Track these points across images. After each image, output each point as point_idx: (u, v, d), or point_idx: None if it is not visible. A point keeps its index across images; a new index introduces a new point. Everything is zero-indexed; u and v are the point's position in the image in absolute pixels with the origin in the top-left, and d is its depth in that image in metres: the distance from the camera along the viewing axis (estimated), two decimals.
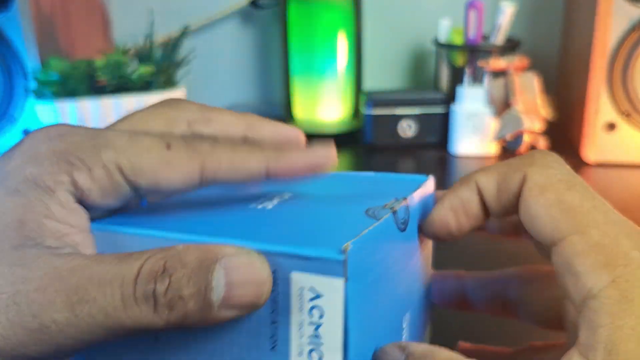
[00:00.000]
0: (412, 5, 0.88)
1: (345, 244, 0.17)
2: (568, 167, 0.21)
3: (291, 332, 0.18)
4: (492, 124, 0.69)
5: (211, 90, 0.92)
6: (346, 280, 0.17)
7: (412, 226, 0.23)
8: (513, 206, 0.21)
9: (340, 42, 0.78)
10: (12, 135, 0.68)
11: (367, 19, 0.86)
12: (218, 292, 0.17)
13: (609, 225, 0.19)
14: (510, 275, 0.25)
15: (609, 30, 0.62)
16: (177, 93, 0.66)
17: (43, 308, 0.17)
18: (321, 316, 0.18)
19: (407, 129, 0.75)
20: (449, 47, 0.77)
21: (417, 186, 0.24)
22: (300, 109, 0.81)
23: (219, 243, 0.18)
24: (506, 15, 0.74)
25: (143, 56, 0.66)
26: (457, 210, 0.22)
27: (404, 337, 0.23)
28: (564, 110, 0.76)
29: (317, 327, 0.18)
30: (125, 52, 0.64)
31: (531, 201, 0.20)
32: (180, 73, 0.68)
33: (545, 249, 0.20)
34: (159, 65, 0.64)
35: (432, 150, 0.74)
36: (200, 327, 0.18)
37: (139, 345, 0.21)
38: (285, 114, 0.82)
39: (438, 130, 0.75)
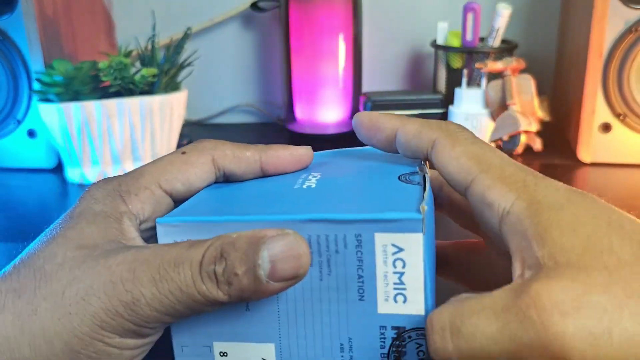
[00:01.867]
0: (410, 8, 0.89)
1: (422, 205, 0.21)
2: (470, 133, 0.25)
3: (377, 283, 0.22)
4: (489, 126, 0.70)
5: (213, 91, 0.93)
6: (424, 234, 0.21)
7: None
8: (419, 156, 0.26)
9: (340, 44, 0.79)
10: (17, 137, 0.69)
11: (366, 22, 0.87)
12: (264, 267, 0.21)
13: (506, 165, 0.23)
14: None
15: (605, 32, 0.63)
16: (180, 95, 0.67)
17: (134, 284, 0.21)
18: (404, 266, 0.21)
19: None
20: (447, 49, 0.77)
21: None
22: (300, 110, 0.82)
23: (302, 220, 0.22)
24: (503, 17, 0.74)
25: (146, 58, 0.66)
26: (376, 131, 0.27)
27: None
28: (560, 111, 0.77)
29: (401, 275, 0.21)
30: (128, 54, 0.65)
31: (443, 153, 0.24)
32: (182, 75, 0.69)
33: (461, 193, 0.24)
34: (162, 68, 0.65)
35: None
36: (259, 299, 0.22)
37: (230, 316, 0.23)
38: (286, 115, 0.83)
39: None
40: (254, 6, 0.86)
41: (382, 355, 0.22)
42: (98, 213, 0.24)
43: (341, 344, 0.23)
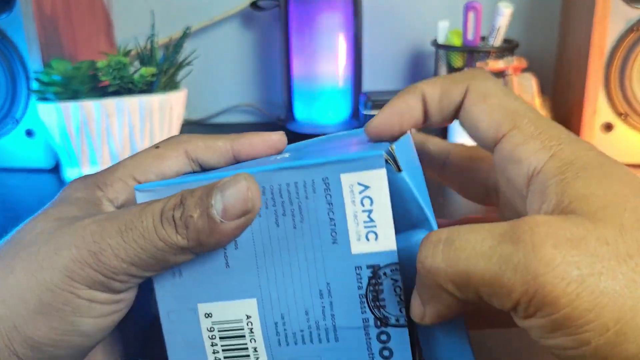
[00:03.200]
0: (411, 7, 0.88)
1: (391, 146, 0.21)
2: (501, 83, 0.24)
3: (348, 224, 0.22)
4: None
5: (212, 91, 0.93)
6: (389, 170, 0.21)
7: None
8: (452, 115, 0.25)
9: (340, 44, 0.79)
10: (15, 136, 0.69)
11: (366, 21, 0.86)
12: (217, 208, 0.22)
13: (541, 121, 0.22)
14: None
15: (606, 31, 0.63)
16: (179, 94, 0.66)
17: (101, 236, 0.22)
18: (371, 203, 0.22)
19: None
20: (448, 48, 0.77)
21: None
22: (300, 110, 0.82)
23: (270, 170, 0.22)
24: (504, 16, 0.74)
25: (145, 58, 0.66)
26: (402, 115, 0.25)
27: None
28: (561, 110, 0.77)
29: (369, 212, 0.22)
30: (127, 53, 0.65)
31: (475, 107, 0.23)
32: (181, 74, 0.68)
33: (488, 148, 0.23)
34: (161, 67, 0.64)
35: None
36: (218, 245, 0.22)
37: (211, 276, 0.24)
38: (285, 115, 0.83)
39: (436, 130, 0.75)
40: (253, 5, 0.86)
41: (361, 296, 0.23)
42: (78, 198, 0.25)
43: (320, 290, 0.23)
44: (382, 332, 0.23)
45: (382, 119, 0.25)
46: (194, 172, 0.28)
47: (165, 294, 0.24)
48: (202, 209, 0.22)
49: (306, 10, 0.77)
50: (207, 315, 0.24)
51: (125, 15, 0.88)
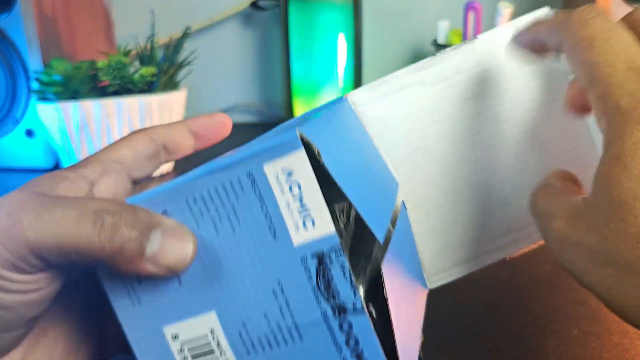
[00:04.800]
0: (411, 7, 0.88)
1: (300, 134, 0.20)
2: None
3: (283, 215, 0.21)
4: None
5: (212, 91, 0.93)
6: (306, 150, 0.20)
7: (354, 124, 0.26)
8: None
9: (340, 43, 0.79)
10: (15, 136, 0.69)
11: (367, 21, 0.86)
12: (152, 246, 0.21)
13: None
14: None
15: None
16: (179, 94, 0.66)
17: (18, 210, 0.21)
18: (299, 187, 0.21)
19: None
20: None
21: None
22: (300, 110, 0.82)
23: (195, 177, 0.22)
24: (504, 16, 0.74)
25: (145, 57, 0.66)
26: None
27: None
28: None
29: (300, 198, 0.21)
30: (127, 53, 0.64)
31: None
32: (181, 74, 0.68)
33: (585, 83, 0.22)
34: (161, 67, 0.64)
35: None
36: (124, 272, 0.22)
37: (167, 297, 0.23)
38: (285, 115, 0.83)
39: None
40: (253, 5, 0.86)
41: (313, 288, 0.22)
42: (36, 179, 0.25)
43: (273, 290, 0.22)
44: (342, 322, 0.22)
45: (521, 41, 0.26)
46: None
47: (131, 325, 0.24)
48: (138, 233, 0.21)
49: (306, 11, 0.77)
50: (174, 337, 0.24)
51: (125, 15, 0.88)
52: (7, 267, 0.21)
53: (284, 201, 0.21)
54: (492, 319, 0.34)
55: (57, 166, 0.70)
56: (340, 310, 0.22)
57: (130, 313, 0.24)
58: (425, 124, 0.29)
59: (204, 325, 0.23)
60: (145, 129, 0.29)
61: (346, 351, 0.22)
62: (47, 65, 0.65)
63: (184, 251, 0.22)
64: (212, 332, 0.23)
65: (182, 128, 0.29)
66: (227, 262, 0.22)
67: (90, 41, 0.78)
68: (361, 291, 0.21)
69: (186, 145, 0.29)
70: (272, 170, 0.21)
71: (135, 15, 0.88)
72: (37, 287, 0.22)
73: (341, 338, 0.22)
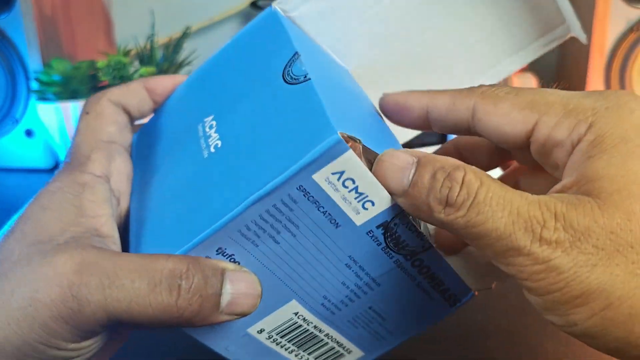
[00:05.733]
0: None
1: (341, 133, 0.20)
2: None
3: (342, 207, 0.22)
4: None
5: None
6: (354, 148, 0.20)
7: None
8: (463, 127, 0.24)
9: None
10: (15, 136, 0.69)
11: None
12: (225, 298, 0.21)
13: (568, 98, 0.22)
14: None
15: (607, 31, 0.63)
16: None
17: (80, 289, 0.20)
18: (353, 181, 0.21)
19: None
20: None
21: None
22: None
23: (243, 211, 0.21)
24: None
25: (144, 57, 0.66)
26: (403, 112, 0.26)
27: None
28: None
29: (356, 189, 0.21)
30: (126, 53, 0.64)
31: (489, 118, 0.23)
32: (181, 74, 0.68)
33: (519, 146, 0.23)
34: (161, 67, 0.64)
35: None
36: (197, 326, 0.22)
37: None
38: None
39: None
40: (253, 5, 0.86)
41: (384, 249, 0.23)
42: (54, 192, 0.23)
43: (346, 264, 0.24)
44: (414, 261, 0.24)
45: (392, 107, 0.26)
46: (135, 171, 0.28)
47: (211, 337, 0.24)
48: (213, 292, 0.21)
49: None
50: (260, 332, 0.25)
51: (125, 15, 0.88)
52: (76, 339, 0.21)
53: (340, 196, 0.22)
54: (491, 319, 0.34)
55: (56, 166, 0.70)
56: (411, 255, 0.24)
57: (206, 329, 0.24)
58: (359, 7, 0.29)
59: (287, 313, 0.25)
60: (102, 94, 0.28)
61: (420, 278, 0.25)
62: (46, 65, 0.64)
63: (254, 294, 0.22)
64: (296, 314, 0.25)
65: (138, 88, 0.29)
66: (294, 261, 0.23)
67: (90, 41, 0.78)
68: (426, 235, 0.23)
69: (144, 109, 0.29)
70: (322, 176, 0.21)
71: (135, 15, 0.88)
72: (93, 348, 0.22)
73: (414, 271, 0.24)
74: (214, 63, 0.30)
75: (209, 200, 0.22)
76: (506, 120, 0.22)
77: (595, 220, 0.19)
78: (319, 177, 0.21)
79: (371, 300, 0.25)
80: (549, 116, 0.21)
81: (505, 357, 0.31)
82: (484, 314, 0.35)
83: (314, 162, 0.20)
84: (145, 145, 0.29)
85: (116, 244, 0.24)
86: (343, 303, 0.25)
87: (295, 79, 0.23)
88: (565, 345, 0.31)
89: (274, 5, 0.29)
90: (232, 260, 0.22)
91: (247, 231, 0.22)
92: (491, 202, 0.19)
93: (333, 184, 0.21)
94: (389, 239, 0.23)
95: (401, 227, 0.23)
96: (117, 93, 0.27)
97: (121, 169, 0.27)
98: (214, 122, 0.26)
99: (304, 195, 0.21)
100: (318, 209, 0.22)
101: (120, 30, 0.85)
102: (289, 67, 0.24)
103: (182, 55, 0.67)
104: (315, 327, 0.26)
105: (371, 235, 0.23)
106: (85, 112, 0.27)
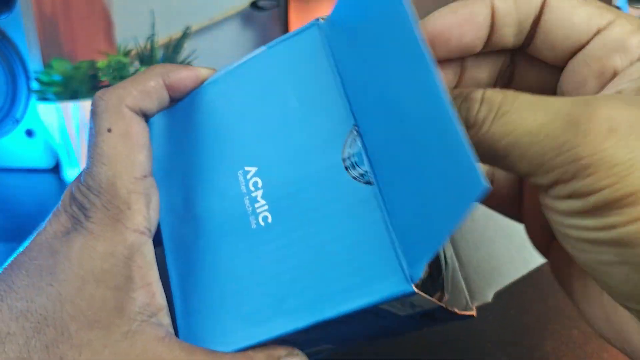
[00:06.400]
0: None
1: (415, 284, 0.20)
2: None
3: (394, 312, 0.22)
4: None
5: None
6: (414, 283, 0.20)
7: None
8: (528, 28, 0.21)
9: None
10: (15, 136, 0.69)
11: None
12: None
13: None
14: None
15: None
16: None
17: None
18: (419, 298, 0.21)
19: None
20: None
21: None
22: None
23: (305, 328, 0.21)
24: None
25: (145, 57, 0.66)
26: (464, 22, 0.21)
27: None
28: None
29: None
30: (127, 53, 0.65)
31: (562, 3, 0.20)
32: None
33: (576, 44, 0.20)
34: None
35: None
36: None
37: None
38: None
39: None
40: (253, 5, 0.86)
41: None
42: (104, 258, 0.21)
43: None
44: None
45: (439, 28, 0.21)
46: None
47: None
48: None
49: (306, 11, 0.77)
50: None
51: (125, 15, 0.88)
52: None
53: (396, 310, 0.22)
54: (491, 319, 0.34)
55: (57, 166, 0.70)
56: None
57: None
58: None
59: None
60: (120, 98, 0.23)
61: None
62: (47, 65, 0.65)
63: None
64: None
65: (158, 88, 0.24)
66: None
67: (90, 41, 0.78)
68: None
69: (161, 107, 0.25)
70: (386, 306, 0.21)
71: (135, 15, 0.88)
72: None
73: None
74: (257, 82, 0.26)
75: (275, 294, 0.22)
76: (579, 10, 0.20)
77: None
78: (384, 304, 0.21)
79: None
80: (628, 22, 0.20)
81: (505, 356, 0.31)
82: (483, 314, 0.35)
83: (380, 301, 0.20)
84: (166, 148, 0.26)
85: (167, 315, 0.22)
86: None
87: (358, 176, 0.21)
88: (565, 345, 0.31)
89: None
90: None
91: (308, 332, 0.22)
92: (519, 108, 0.17)
93: (401, 301, 0.21)
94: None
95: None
96: (136, 96, 0.23)
97: (157, 209, 0.24)
98: (258, 180, 0.23)
99: (370, 311, 0.21)
100: (377, 318, 0.22)
101: (120, 30, 0.86)
102: (352, 157, 0.22)
103: (182, 55, 0.67)
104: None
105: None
106: (106, 128, 0.22)
